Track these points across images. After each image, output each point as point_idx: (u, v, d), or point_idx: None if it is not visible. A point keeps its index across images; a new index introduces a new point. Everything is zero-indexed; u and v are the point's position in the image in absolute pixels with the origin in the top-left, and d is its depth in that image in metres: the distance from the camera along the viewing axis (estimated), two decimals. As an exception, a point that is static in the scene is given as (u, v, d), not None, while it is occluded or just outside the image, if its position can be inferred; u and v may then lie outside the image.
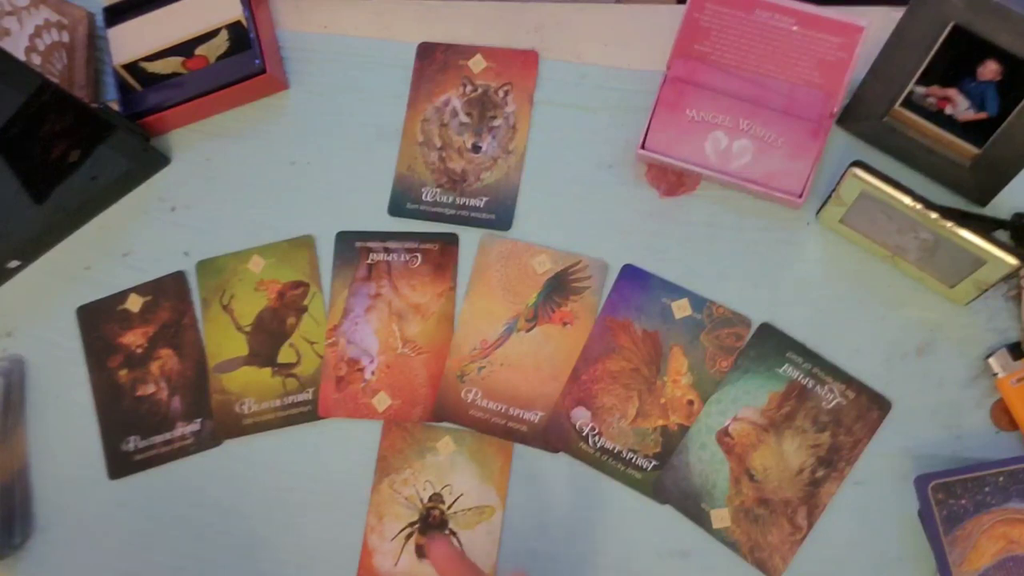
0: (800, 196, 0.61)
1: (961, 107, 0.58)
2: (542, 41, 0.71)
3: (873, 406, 0.60)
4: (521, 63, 0.70)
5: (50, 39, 0.69)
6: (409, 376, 0.65)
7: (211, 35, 0.70)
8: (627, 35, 0.70)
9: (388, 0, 0.74)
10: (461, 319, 0.66)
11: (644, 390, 0.62)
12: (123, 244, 0.71)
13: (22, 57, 0.65)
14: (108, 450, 0.67)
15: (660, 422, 0.62)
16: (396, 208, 0.69)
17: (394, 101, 0.71)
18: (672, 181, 0.66)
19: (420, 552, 0.62)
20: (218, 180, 0.71)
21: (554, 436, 0.63)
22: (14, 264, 0.70)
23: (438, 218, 0.68)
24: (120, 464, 0.67)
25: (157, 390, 0.67)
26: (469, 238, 0.67)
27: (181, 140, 0.73)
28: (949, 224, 0.54)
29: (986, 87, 0.56)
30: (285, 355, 0.67)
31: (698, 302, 0.63)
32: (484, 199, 0.68)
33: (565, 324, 0.64)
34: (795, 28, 0.61)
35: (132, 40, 0.69)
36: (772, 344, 0.61)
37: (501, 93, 0.70)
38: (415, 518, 0.63)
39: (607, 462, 0.62)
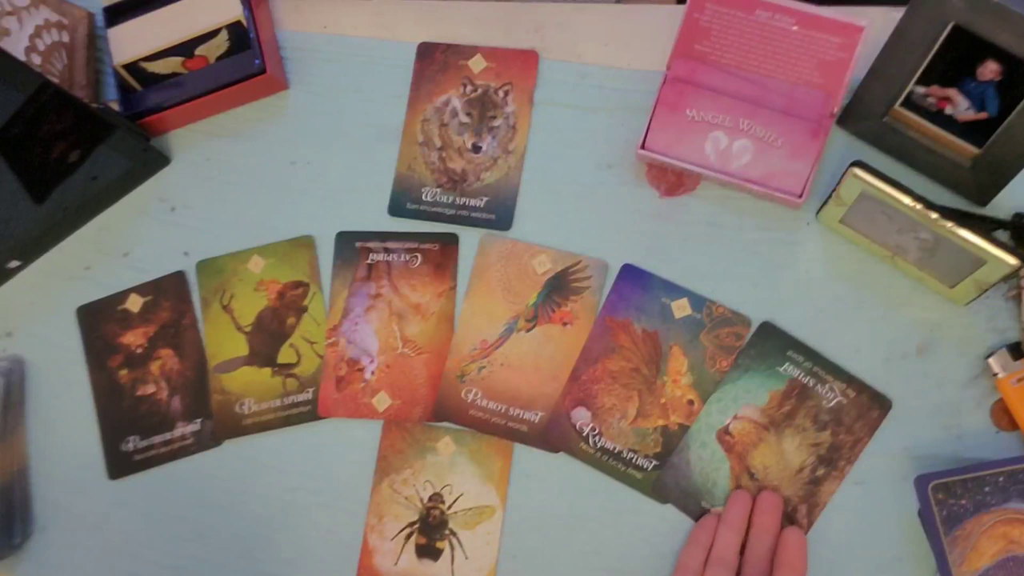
0: (800, 196, 0.61)
1: (961, 107, 0.58)
2: (542, 41, 0.71)
3: (873, 405, 0.60)
4: (521, 63, 0.70)
5: (50, 39, 0.69)
6: (409, 376, 0.65)
7: (211, 35, 0.70)
8: (627, 35, 0.70)
9: (388, 0, 0.74)
10: (461, 319, 0.66)
11: (644, 390, 0.62)
12: (123, 244, 0.71)
13: (22, 57, 0.65)
14: (108, 450, 0.67)
15: (660, 422, 0.62)
16: (396, 208, 0.69)
17: (394, 101, 0.71)
18: (672, 181, 0.66)
19: (420, 552, 0.62)
20: (218, 180, 0.71)
21: (554, 436, 0.63)
22: (14, 264, 0.70)
23: (438, 218, 0.68)
24: (120, 464, 0.67)
25: (157, 390, 0.67)
26: (469, 238, 0.67)
27: (181, 140, 0.73)
28: (949, 224, 0.54)
29: (986, 87, 0.56)
30: (285, 355, 0.67)
31: (698, 301, 0.63)
32: (484, 199, 0.68)
33: (565, 324, 0.64)
34: (795, 28, 0.61)
35: (132, 40, 0.69)
36: (773, 343, 0.62)
37: (501, 93, 0.70)
38: (415, 518, 0.63)
39: (607, 462, 0.62)
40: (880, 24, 0.59)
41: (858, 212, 0.59)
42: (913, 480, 0.56)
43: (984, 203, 0.61)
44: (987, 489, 0.54)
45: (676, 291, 0.64)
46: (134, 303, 0.69)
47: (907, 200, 0.55)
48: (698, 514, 0.60)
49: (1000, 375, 0.58)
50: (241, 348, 0.67)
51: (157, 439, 0.66)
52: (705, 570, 0.57)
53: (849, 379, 0.60)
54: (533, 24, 0.71)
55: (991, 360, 0.58)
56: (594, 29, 0.70)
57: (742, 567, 0.57)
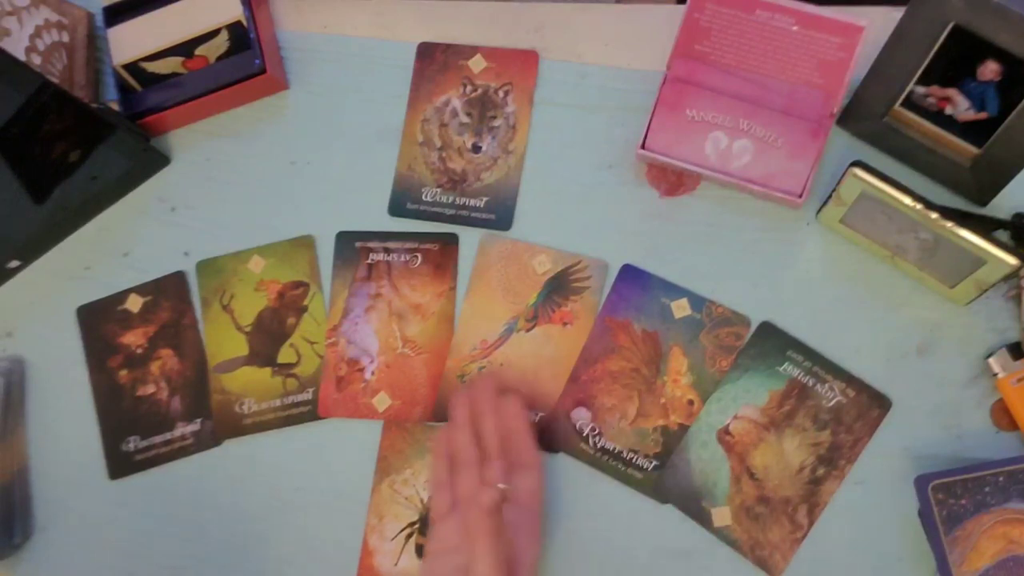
0: (800, 196, 0.61)
1: (961, 107, 0.58)
2: (542, 41, 0.71)
3: (873, 405, 0.60)
4: (521, 63, 0.70)
5: (50, 39, 0.69)
6: (409, 376, 0.65)
7: (211, 35, 0.70)
8: (627, 35, 0.70)
9: (388, 0, 0.74)
10: (461, 319, 0.66)
11: (644, 390, 0.62)
12: (123, 244, 0.71)
13: (22, 57, 0.65)
14: (108, 450, 0.67)
15: (660, 422, 0.62)
16: (396, 208, 0.69)
17: (394, 101, 0.71)
18: (672, 181, 0.66)
19: (421, 552, 0.62)
20: (218, 180, 0.71)
21: (554, 436, 0.63)
22: (14, 264, 0.70)
23: (438, 218, 0.68)
24: (120, 464, 0.67)
25: (157, 390, 0.67)
26: (469, 238, 0.67)
27: (181, 140, 0.73)
28: (949, 224, 0.54)
29: (986, 87, 0.56)
30: (285, 355, 0.67)
31: (697, 302, 0.63)
32: (484, 199, 0.68)
33: (565, 324, 0.64)
34: (795, 28, 0.61)
35: (132, 40, 0.69)
36: (773, 342, 0.62)
37: (501, 93, 0.70)
38: (415, 518, 0.63)
39: (607, 462, 0.62)
40: (880, 24, 0.59)
41: (858, 212, 0.59)
42: (913, 480, 0.56)
43: (984, 203, 0.61)
44: (987, 489, 0.54)
45: (676, 291, 0.64)
46: (134, 303, 0.69)
47: (907, 200, 0.55)
48: (698, 514, 0.60)
49: (1000, 375, 0.58)
50: (241, 348, 0.67)
51: (157, 439, 0.66)
52: (455, 477, 0.57)
53: (849, 379, 0.60)
54: (533, 24, 0.71)
55: (991, 360, 0.58)
56: (594, 29, 0.70)
57: (482, 454, 0.57)
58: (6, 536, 0.65)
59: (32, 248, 0.70)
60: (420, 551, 0.62)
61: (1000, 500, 0.54)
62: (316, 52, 0.73)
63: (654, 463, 0.61)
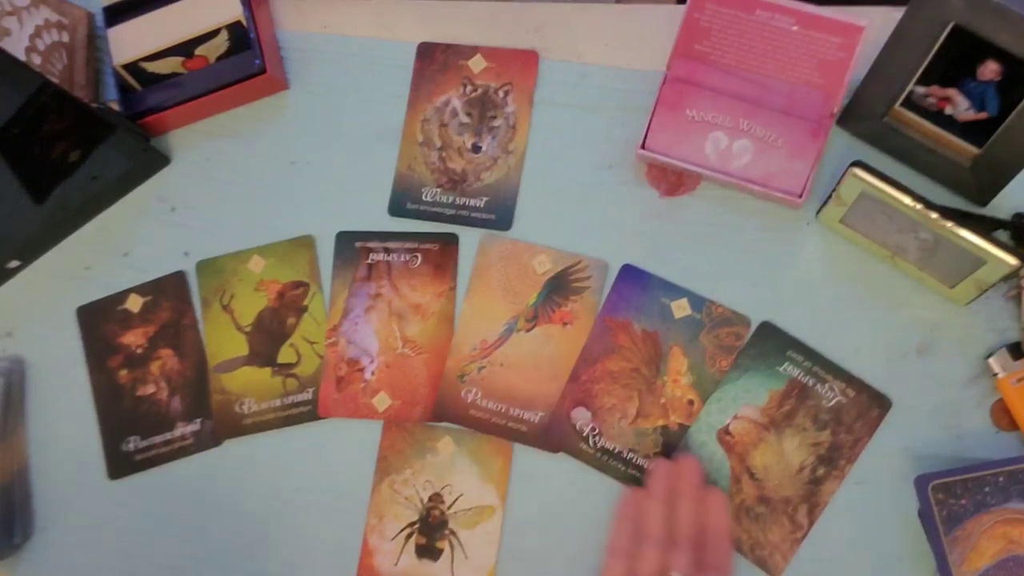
0: (800, 196, 0.61)
1: (961, 107, 0.58)
2: (542, 41, 0.71)
3: (873, 404, 0.60)
4: (521, 63, 0.70)
5: (50, 39, 0.69)
6: (409, 376, 0.65)
7: (211, 35, 0.70)
8: (627, 35, 0.70)
9: (388, 0, 0.74)
10: (461, 319, 0.66)
11: (644, 390, 0.62)
12: (123, 244, 0.71)
13: (22, 57, 0.65)
14: (108, 450, 0.67)
15: (660, 422, 0.62)
16: (396, 208, 0.69)
17: (394, 101, 0.71)
18: (672, 181, 0.66)
19: (420, 552, 0.62)
20: (218, 180, 0.71)
21: (554, 436, 0.63)
22: (14, 264, 0.70)
23: (438, 218, 0.68)
24: (120, 464, 0.67)
25: (157, 390, 0.67)
26: (469, 238, 0.67)
27: (181, 140, 0.73)
28: (949, 224, 0.54)
29: (986, 87, 0.56)
30: (285, 355, 0.67)
31: (697, 302, 0.63)
32: (484, 199, 0.68)
33: (565, 324, 0.64)
34: (795, 28, 0.61)
35: (132, 40, 0.69)
36: (773, 342, 0.62)
37: (501, 93, 0.70)
38: (415, 518, 0.63)
39: (607, 462, 0.62)
40: (880, 24, 0.59)
41: (858, 212, 0.59)
42: (913, 480, 0.56)
43: (984, 203, 0.61)
44: (987, 489, 0.54)
45: (676, 291, 0.64)
46: (134, 303, 0.69)
47: (907, 200, 0.55)
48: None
49: (1000, 375, 0.58)
50: (241, 348, 0.67)
51: (157, 439, 0.66)
52: (638, 549, 0.55)
53: (849, 379, 0.60)
54: (533, 24, 0.71)
55: (991, 360, 0.58)
56: (594, 29, 0.70)
57: (671, 536, 0.55)
58: (6, 536, 0.65)
59: (32, 248, 0.70)
60: (420, 551, 0.62)
61: (1000, 500, 0.54)
62: (316, 52, 0.73)
63: (654, 463, 0.61)
